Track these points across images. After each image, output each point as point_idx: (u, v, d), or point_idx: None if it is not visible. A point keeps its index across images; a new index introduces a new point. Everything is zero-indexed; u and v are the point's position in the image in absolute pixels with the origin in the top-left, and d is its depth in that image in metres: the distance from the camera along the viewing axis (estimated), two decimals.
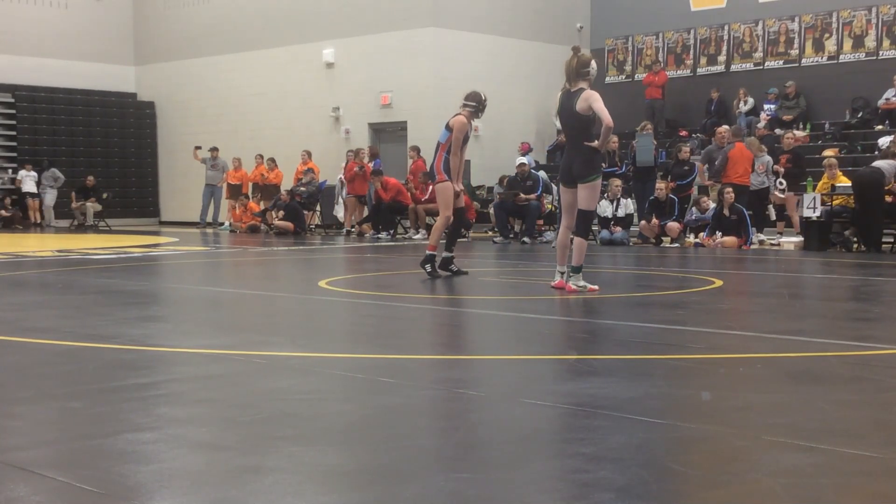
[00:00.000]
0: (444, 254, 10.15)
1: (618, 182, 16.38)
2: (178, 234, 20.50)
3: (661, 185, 16.05)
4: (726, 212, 15.15)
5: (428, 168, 11.09)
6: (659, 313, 7.44)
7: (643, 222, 16.20)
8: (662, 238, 16.01)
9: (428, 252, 9.94)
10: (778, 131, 19.19)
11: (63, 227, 23.99)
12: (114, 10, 26.92)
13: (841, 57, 20.01)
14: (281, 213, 20.51)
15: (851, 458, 3.33)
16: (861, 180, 13.94)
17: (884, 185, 13.74)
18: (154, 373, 5.02)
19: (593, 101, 8.21)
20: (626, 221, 16.40)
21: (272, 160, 22.30)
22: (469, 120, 9.94)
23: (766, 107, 20.06)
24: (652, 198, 16.09)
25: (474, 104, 10.00)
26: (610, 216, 16.25)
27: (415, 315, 7.59)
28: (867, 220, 13.83)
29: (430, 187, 18.87)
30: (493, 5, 22.04)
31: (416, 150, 19.94)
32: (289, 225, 20.40)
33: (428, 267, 9.85)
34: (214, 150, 23.70)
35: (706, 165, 16.56)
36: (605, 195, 16.21)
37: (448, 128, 9.98)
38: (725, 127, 17.72)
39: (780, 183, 15.85)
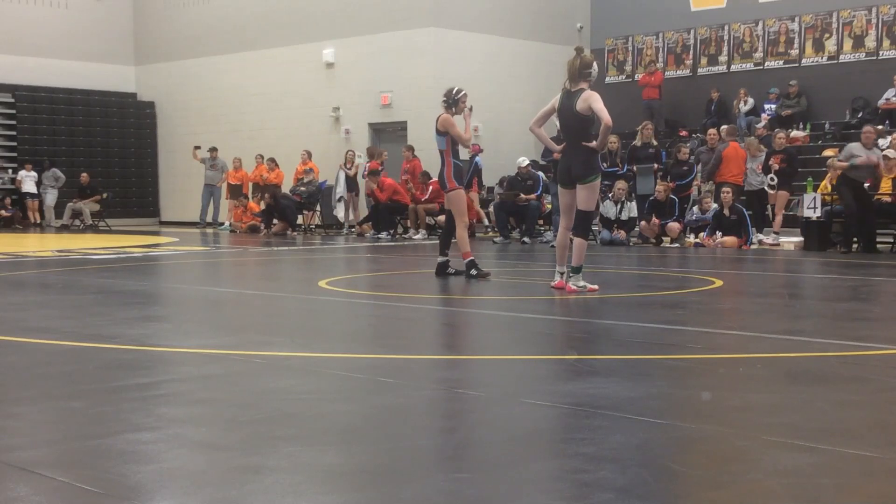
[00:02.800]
0: (440, 258, 10.10)
1: (623, 185, 16.36)
2: (178, 234, 20.51)
3: (660, 188, 16.04)
4: (726, 212, 15.16)
5: (437, 175, 10.97)
6: (659, 313, 7.43)
7: (643, 223, 16.20)
8: (662, 238, 16.01)
9: (466, 260, 9.81)
10: (778, 131, 19.18)
11: (63, 227, 23.97)
12: (114, 10, 26.91)
13: (841, 57, 20.01)
14: (274, 213, 20.71)
15: (851, 458, 3.33)
16: (847, 180, 13.84)
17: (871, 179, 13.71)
18: (154, 373, 5.02)
19: (593, 101, 8.21)
20: (629, 225, 16.38)
21: (272, 160, 22.30)
22: (449, 115, 9.95)
23: (766, 106, 20.05)
24: (651, 198, 16.08)
25: (445, 98, 10.04)
26: (613, 218, 16.25)
27: (415, 315, 7.59)
28: (861, 219, 13.73)
29: (430, 187, 18.92)
30: (493, 5, 22.03)
31: (411, 149, 19.96)
32: (284, 226, 20.53)
33: (473, 271, 9.71)
34: (213, 150, 23.70)
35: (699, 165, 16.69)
36: (610, 196, 16.22)
37: (438, 132, 9.95)
38: (722, 128, 17.72)
39: (772, 179, 15.83)
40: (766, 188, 15.93)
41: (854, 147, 13.94)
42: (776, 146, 16.19)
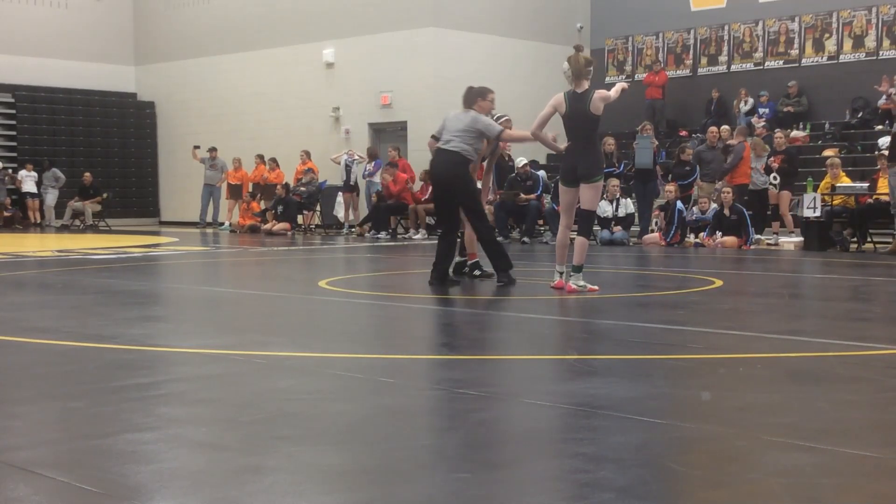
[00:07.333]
0: (456, 258, 10.11)
1: (615, 182, 16.40)
2: (178, 234, 20.50)
3: (670, 188, 16.09)
4: (726, 212, 15.17)
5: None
6: (659, 313, 7.43)
7: (653, 227, 16.33)
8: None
9: (470, 261, 9.85)
10: (777, 132, 19.19)
11: (63, 227, 23.98)
12: (114, 10, 26.91)
13: (841, 57, 20.00)
14: (280, 207, 20.69)
15: (851, 458, 3.33)
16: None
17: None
18: (154, 373, 5.02)
19: (603, 97, 8.29)
20: (626, 221, 16.43)
21: (274, 160, 22.31)
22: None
23: (759, 110, 20.05)
24: (664, 202, 16.18)
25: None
26: (610, 216, 16.28)
27: (415, 315, 7.59)
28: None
29: (431, 187, 18.92)
30: (493, 5, 22.03)
31: (397, 149, 20.11)
32: (285, 225, 20.55)
33: (477, 272, 9.76)
34: (213, 150, 23.70)
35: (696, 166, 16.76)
36: (604, 195, 16.25)
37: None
38: (725, 127, 17.73)
39: (774, 178, 15.87)
40: (770, 186, 15.98)
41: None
42: (776, 146, 16.26)
